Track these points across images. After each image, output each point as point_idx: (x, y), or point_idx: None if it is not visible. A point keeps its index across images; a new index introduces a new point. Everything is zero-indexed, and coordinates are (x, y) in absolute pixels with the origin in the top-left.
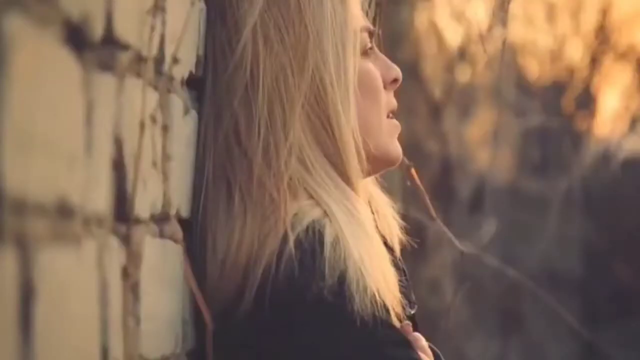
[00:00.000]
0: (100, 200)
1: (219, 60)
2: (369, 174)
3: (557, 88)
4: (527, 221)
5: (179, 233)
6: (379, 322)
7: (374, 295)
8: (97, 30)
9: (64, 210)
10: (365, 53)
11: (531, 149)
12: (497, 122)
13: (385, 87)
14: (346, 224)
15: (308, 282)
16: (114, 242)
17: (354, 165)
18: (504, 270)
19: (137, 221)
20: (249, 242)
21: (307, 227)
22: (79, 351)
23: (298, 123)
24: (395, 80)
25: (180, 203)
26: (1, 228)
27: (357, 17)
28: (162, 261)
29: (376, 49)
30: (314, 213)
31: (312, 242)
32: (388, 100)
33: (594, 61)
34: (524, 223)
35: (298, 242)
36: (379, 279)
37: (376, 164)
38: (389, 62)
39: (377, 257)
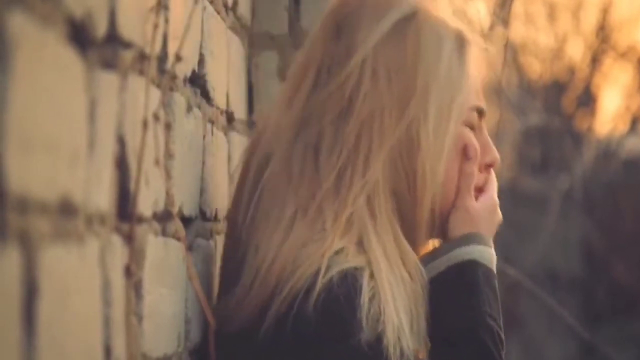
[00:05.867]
0: (103, 198)
1: (323, 70)
2: (432, 237)
3: (558, 87)
4: (527, 220)
5: (181, 231)
6: None
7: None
8: (100, 28)
9: (66, 209)
10: (471, 129)
11: (532, 148)
12: (498, 121)
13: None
14: (388, 282)
15: (343, 331)
16: (116, 241)
17: (423, 227)
18: (504, 269)
19: (140, 219)
20: (283, 261)
21: (345, 273)
22: (82, 349)
23: (381, 164)
24: (489, 165)
25: (183, 201)
26: (4, 226)
27: (471, 92)
28: (164, 260)
29: (484, 128)
30: (356, 260)
31: (347, 291)
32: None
33: (595, 60)
34: (524, 222)
35: (330, 285)
36: (415, 341)
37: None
38: (490, 144)
39: (415, 316)
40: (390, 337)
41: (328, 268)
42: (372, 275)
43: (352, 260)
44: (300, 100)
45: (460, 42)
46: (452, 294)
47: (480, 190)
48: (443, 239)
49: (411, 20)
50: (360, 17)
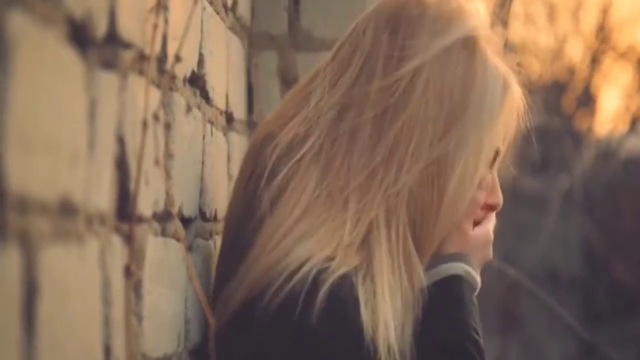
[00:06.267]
0: (103, 198)
1: (371, 60)
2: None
3: (558, 87)
4: (527, 220)
5: (181, 231)
6: None
7: (395, 355)
8: (100, 28)
9: (66, 209)
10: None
11: (531, 148)
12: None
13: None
14: (388, 283)
15: (348, 339)
16: (116, 241)
17: (434, 244)
18: (504, 269)
19: (140, 220)
20: (283, 249)
21: (345, 278)
22: (82, 349)
23: (412, 175)
24: (490, 207)
25: (183, 201)
26: (4, 226)
27: (498, 134)
28: (164, 260)
29: (495, 170)
30: (354, 260)
31: (347, 297)
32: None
33: (595, 61)
34: (524, 222)
35: (332, 290)
36: (407, 342)
37: None
38: (498, 187)
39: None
40: (381, 335)
41: (331, 272)
42: (366, 275)
43: (349, 261)
44: (344, 85)
45: (505, 84)
46: (440, 307)
47: (477, 224)
48: (433, 255)
49: (471, 44)
50: (421, 23)
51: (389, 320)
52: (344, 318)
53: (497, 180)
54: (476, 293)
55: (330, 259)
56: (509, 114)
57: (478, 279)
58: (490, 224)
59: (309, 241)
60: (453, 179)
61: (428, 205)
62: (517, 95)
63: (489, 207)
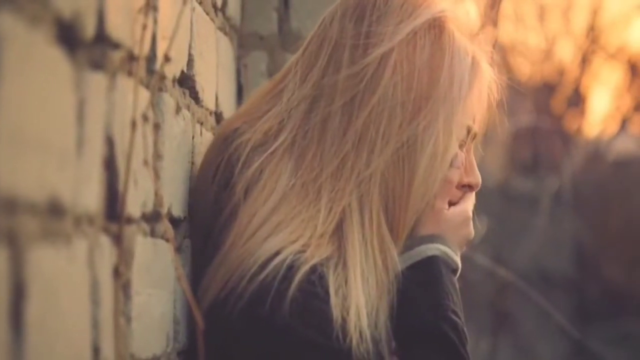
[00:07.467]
0: (92, 198)
1: (339, 49)
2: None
3: (548, 88)
4: (517, 221)
5: (170, 232)
6: None
7: (367, 340)
8: (89, 28)
9: (55, 209)
10: (460, 146)
11: (522, 148)
12: (488, 121)
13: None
14: (360, 269)
15: (321, 330)
16: (105, 241)
17: (407, 227)
18: (495, 269)
19: (129, 220)
20: (257, 241)
21: (316, 269)
22: (70, 350)
23: (383, 160)
24: (467, 186)
25: (172, 202)
26: None
27: (469, 113)
28: (153, 260)
29: (471, 150)
30: (326, 249)
31: (318, 288)
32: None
33: (585, 61)
34: (514, 222)
35: (303, 283)
36: (382, 326)
37: None
38: (475, 167)
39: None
40: (352, 321)
41: (301, 263)
42: (338, 263)
43: (322, 251)
44: (313, 77)
45: (474, 63)
46: (414, 290)
47: (454, 205)
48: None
49: (438, 26)
50: (387, 10)
51: (361, 306)
52: (313, 309)
53: (473, 160)
54: (457, 274)
55: (303, 250)
56: (479, 92)
57: (457, 259)
58: (468, 203)
59: (283, 232)
60: (423, 158)
61: (399, 186)
62: (487, 74)
63: (467, 187)
